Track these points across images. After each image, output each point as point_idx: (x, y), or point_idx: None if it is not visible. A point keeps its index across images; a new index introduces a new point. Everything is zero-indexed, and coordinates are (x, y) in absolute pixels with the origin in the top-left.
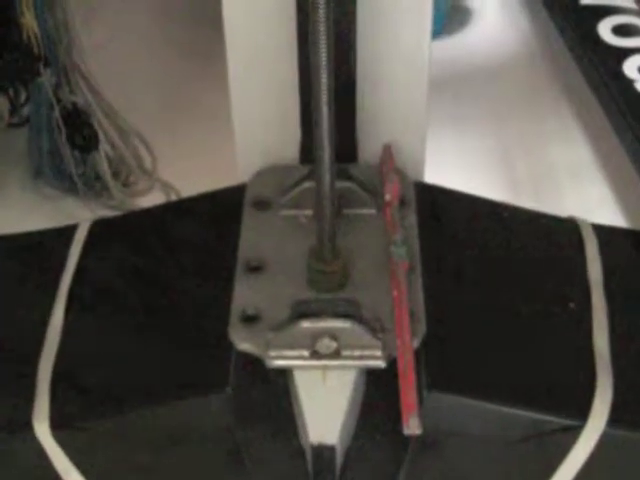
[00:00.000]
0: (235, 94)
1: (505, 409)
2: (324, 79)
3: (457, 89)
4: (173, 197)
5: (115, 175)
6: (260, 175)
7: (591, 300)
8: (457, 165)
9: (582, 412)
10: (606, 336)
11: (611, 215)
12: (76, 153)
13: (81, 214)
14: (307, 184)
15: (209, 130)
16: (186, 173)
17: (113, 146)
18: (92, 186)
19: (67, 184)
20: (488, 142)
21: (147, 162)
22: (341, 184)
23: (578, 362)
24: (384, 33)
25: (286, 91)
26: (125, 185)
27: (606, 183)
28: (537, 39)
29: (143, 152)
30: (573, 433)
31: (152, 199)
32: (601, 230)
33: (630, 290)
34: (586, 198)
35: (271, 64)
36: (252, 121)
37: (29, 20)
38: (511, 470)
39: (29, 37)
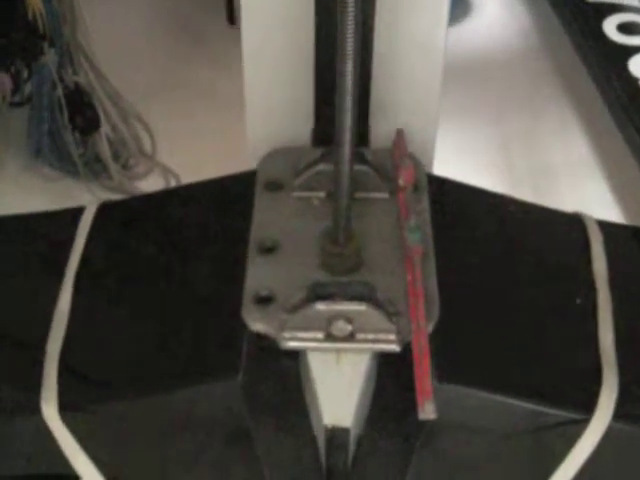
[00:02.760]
0: (249, 78)
1: (513, 401)
2: (350, 66)
3: (457, 80)
4: (172, 180)
5: (115, 157)
6: (272, 156)
7: (597, 296)
8: (455, 156)
9: (588, 406)
10: (611, 331)
11: (610, 211)
12: (77, 134)
13: (80, 195)
14: (321, 166)
15: (209, 114)
16: (185, 156)
17: (114, 128)
18: (92, 168)
19: (67, 165)
20: (487, 133)
21: (147, 145)
22: (356, 167)
23: (584, 356)
24: (401, 19)
25: (300, 74)
26: (125, 167)
27: (606, 179)
28: (537, 32)
29: (143, 135)
30: (579, 426)
31: (151, 182)
32: (606, 226)
33: (635, 286)
34: (585, 193)
35: (286, 46)
36: (264, 104)
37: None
38: (517, 461)
39: (34, 16)
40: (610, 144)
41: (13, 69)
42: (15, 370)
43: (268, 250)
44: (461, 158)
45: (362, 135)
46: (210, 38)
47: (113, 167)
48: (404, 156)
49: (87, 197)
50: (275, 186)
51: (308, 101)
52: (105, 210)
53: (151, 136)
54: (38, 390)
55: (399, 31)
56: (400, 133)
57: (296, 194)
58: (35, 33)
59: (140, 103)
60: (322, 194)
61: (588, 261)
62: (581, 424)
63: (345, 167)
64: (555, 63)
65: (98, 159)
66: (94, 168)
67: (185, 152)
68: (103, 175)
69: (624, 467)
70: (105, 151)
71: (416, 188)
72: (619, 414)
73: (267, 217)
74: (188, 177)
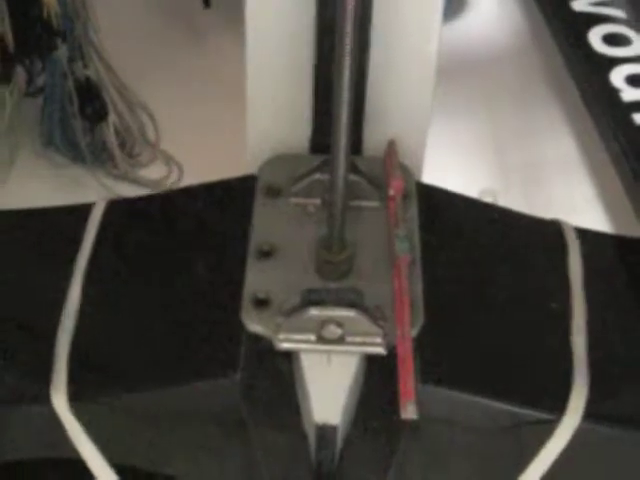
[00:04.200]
0: (251, 87)
1: (490, 402)
2: (346, 77)
3: (448, 78)
4: (174, 169)
5: (120, 146)
6: (271, 163)
7: (571, 300)
8: (445, 152)
9: (559, 407)
10: (584, 335)
11: (593, 209)
12: (85, 123)
13: (87, 182)
14: (317, 175)
15: (212, 105)
16: (188, 146)
17: (120, 118)
18: (99, 155)
19: (76, 153)
20: (477, 131)
21: (151, 134)
22: (349, 177)
23: (558, 359)
24: (395, 34)
25: (300, 85)
26: (129, 156)
27: (590, 179)
28: (531, 29)
29: (148, 125)
30: (550, 426)
31: (154, 169)
32: (583, 233)
33: (608, 291)
34: (570, 190)
35: (287, 58)
36: (265, 112)
37: None
38: (494, 457)
39: (49, 14)
40: (595, 143)
41: (27, 62)
42: (26, 360)
43: (266, 254)
44: (450, 150)
45: (356, 144)
46: (216, 33)
47: (119, 155)
48: (395, 166)
49: (93, 184)
50: (274, 192)
51: (307, 110)
52: (113, 207)
53: (155, 126)
54: (49, 380)
55: (393, 45)
56: (392, 144)
57: (293, 200)
58: (49, 29)
59: (146, 94)
60: (318, 201)
61: (565, 267)
62: (553, 423)
63: (339, 177)
64: (547, 62)
65: (105, 147)
66: (101, 156)
67: (188, 141)
68: (109, 163)
69: (594, 464)
70: (112, 140)
71: (405, 197)
72: (588, 414)
73: (266, 222)
74: (190, 165)
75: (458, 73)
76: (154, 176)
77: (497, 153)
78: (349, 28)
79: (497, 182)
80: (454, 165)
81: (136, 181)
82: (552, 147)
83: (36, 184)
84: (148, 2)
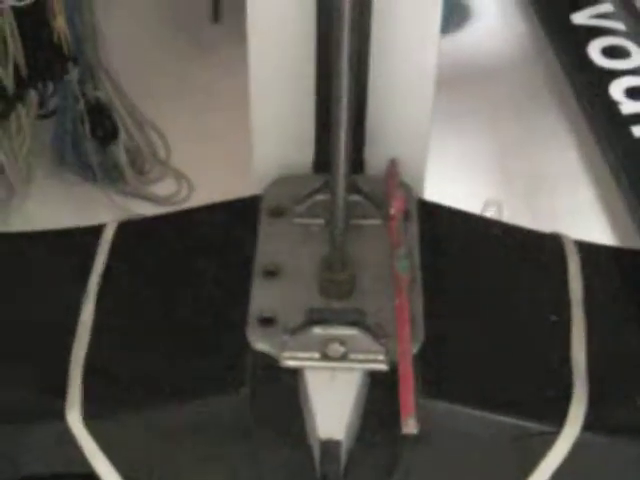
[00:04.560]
0: (255, 109)
1: (491, 415)
2: (344, 102)
3: (451, 87)
4: (184, 185)
5: (131, 163)
6: (276, 184)
7: (571, 314)
8: (449, 161)
9: (559, 419)
10: (583, 348)
11: (594, 217)
12: (97, 143)
13: (99, 199)
14: (320, 196)
15: (221, 119)
16: (198, 161)
17: (130, 137)
18: (110, 174)
19: (87, 172)
20: (481, 140)
21: (161, 151)
22: (350, 197)
23: (557, 373)
24: (394, 58)
25: (303, 104)
26: (140, 173)
27: (590, 188)
28: (534, 40)
29: (157, 142)
30: (551, 437)
31: (165, 186)
32: (583, 247)
33: (608, 304)
34: (572, 200)
35: (290, 81)
36: (270, 134)
37: (60, 23)
38: (493, 469)
39: (59, 39)
40: (595, 153)
41: (40, 85)
42: (41, 377)
43: (271, 274)
44: (454, 159)
45: (357, 162)
46: (224, 51)
47: (129, 173)
48: (396, 186)
49: (105, 201)
50: (278, 213)
51: (310, 130)
52: (124, 228)
53: (165, 144)
54: (63, 397)
55: (392, 69)
56: (393, 163)
57: (297, 221)
58: (60, 54)
59: (156, 111)
60: (321, 221)
61: (565, 281)
62: (553, 435)
63: (339, 198)
64: (550, 72)
65: (116, 166)
66: (112, 174)
67: (198, 157)
68: (120, 181)
69: (593, 474)
70: (122, 159)
71: (406, 215)
72: (587, 426)
73: (270, 243)
74: (200, 181)
75: (461, 83)
76: (164, 192)
77: (500, 163)
78: (345, 55)
79: (501, 191)
80: (460, 175)
81: (147, 198)
82: (554, 157)
83: (50, 202)
84: (157, 17)
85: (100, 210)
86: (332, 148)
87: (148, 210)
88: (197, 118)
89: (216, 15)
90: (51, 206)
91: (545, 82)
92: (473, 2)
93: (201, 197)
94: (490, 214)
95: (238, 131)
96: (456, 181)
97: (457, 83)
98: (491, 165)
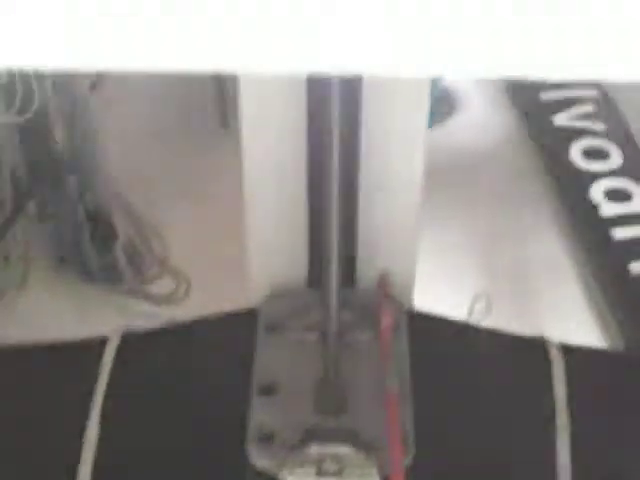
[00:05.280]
0: (249, 224)
1: None
2: (333, 227)
3: (437, 179)
4: (182, 284)
5: (129, 263)
6: (271, 300)
7: (556, 418)
8: (432, 253)
9: None
10: (567, 452)
11: (579, 312)
12: (95, 247)
13: (97, 297)
14: (314, 311)
15: (219, 220)
16: (196, 260)
17: (129, 240)
18: (109, 275)
19: (87, 273)
20: (465, 232)
21: (159, 251)
22: (343, 311)
23: (544, 475)
24: (382, 162)
25: (295, 222)
26: (138, 272)
27: (575, 281)
28: (522, 128)
29: (156, 243)
30: None
31: (163, 284)
32: (567, 350)
33: (591, 407)
34: (559, 292)
35: (282, 197)
36: (263, 248)
37: (59, 134)
38: None
39: (59, 148)
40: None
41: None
42: None
43: (268, 391)
44: (438, 250)
45: (349, 276)
46: (220, 149)
47: (127, 274)
48: (386, 300)
49: (104, 300)
50: (273, 328)
51: (303, 246)
52: (126, 341)
53: (163, 244)
54: None
55: (380, 175)
56: (383, 277)
57: (293, 336)
58: (59, 164)
59: (154, 211)
60: (316, 335)
61: (549, 385)
62: None
63: (333, 315)
64: (539, 161)
65: (114, 267)
66: (111, 275)
67: (196, 256)
68: (119, 280)
69: None
70: (121, 260)
71: (396, 328)
72: None
73: (267, 359)
74: (198, 279)
75: (451, 174)
76: (163, 291)
77: (486, 255)
78: (334, 176)
79: (488, 283)
80: (446, 268)
81: (145, 297)
82: (545, 248)
83: (50, 299)
84: (164, 121)
85: (99, 309)
86: (324, 264)
87: (146, 309)
88: (197, 222)
89: (225, 121)
90: (49, 306)
91: (536, 170)
92: (458, 94)
93: (199, 295)
94: (479, 306)
95: (236, 232)
96: (445, 272)
97: (441, 174)
98: (478, 258)
